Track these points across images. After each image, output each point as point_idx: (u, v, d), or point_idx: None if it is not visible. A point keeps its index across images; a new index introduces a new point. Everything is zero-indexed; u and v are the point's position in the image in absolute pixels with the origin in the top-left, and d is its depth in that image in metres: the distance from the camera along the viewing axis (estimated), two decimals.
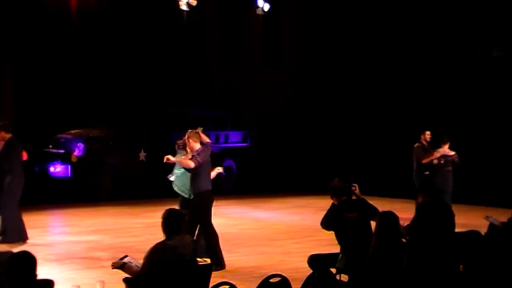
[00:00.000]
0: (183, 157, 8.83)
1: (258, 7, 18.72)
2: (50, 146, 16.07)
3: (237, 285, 5.28)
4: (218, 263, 8.39)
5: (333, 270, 6.73)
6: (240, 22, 20.64)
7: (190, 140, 8.72)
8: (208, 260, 8.14)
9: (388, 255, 5.74)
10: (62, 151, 15.80)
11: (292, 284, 5.46)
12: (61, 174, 15.66)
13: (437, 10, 17.02)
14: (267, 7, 18.73)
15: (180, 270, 5.50)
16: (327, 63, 19.32)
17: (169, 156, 8.63)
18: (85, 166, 15.51)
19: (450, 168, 12.61)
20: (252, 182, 17.86)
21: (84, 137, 15.91)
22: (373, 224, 6.54)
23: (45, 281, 4.53)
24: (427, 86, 17.17)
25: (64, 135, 16.17)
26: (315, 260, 7.11)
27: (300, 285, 5.38)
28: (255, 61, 20.63)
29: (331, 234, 7.29)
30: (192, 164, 8.52)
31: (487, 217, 7.79)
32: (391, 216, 5.97)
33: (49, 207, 14.35)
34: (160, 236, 5.70)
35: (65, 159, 15.62)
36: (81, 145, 15.71)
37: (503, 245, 6.60)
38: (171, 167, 9.24)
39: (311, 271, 5.95)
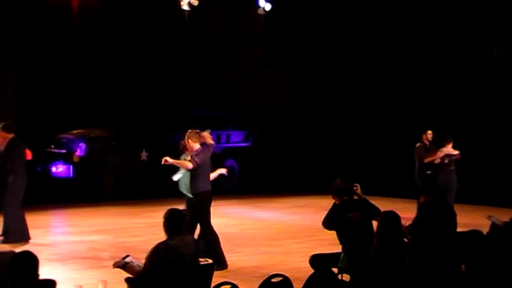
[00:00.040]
0: (183, 159, 8.83)
1: (259, 7, 18.72)
2: (52, 146, 16.07)
3: (238, 285, 5.29)
4: (220, 263, 8.39)
5: (335, 270, 6.73)
6: (241, 22, 20.64)
7: (190, 141, 8.73)
8: (210, 260, 8.14)
9: (390, 255, 5.75)
10: (64, 151, 15.81)
11: (293, 283, 5.46)
12: (63, 174, 15.67)
13: (437, 10, 17.01)
14: (268, 7, 18.72)
15: (182, 270, 5.51)
16: (328, 63, 19.32)
17: (167, 158, 8.62)
18: (87, 166, 15.52)
19: (453, 167, 12.61)
20: (253, 182, 17.86)
21: (86, 137, 15.92)
22: (374, 223, 6.55)
23: (47, 281, 4.54)
24: (428, 85, 17.17)
25: (66, 136, 16.18)
26: (316, 260, 7.11)
27: (302, 285, 5.38)
28: (256, 61, 20.63)
29: (332, 234, 7.30)
30: (190, 165, 8.52)
31: (489, 217, 7.79)
32: (392, 216, 5.98)
33: (51, 207, 14.36)
34: (162, 236, 5.71)
35: (66, 159, 15.63)
36: (83, 145, 15.72)
37: (505, 244, 6.60)
38: (173, 167, 9.25)
39: (313, 271, 5.95)
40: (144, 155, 16.11)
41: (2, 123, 10.42)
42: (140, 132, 16.33)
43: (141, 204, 14.68)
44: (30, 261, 4.37)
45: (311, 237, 10.70)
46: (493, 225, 7.57)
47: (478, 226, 8.07)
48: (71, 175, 15.60)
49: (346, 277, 6.81)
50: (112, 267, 5.98)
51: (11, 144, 10.19)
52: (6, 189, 10.16)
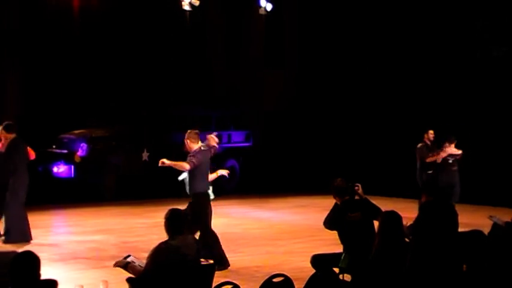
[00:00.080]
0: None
1: (260, 7, 18.71)
2: (54, 146, 16.08)
3: (240, 285, 5.28)
4: (220, 263, 8.39)
5: (336, 269, 6.73)
6: (242, 22, 20.63)
7: (188, 141, 8.74)
8: (211, 260, 8.14)
9: (391, 255, 5.75)
10: (65, 151, 15.82)
11: (295, 283, 5.46)
12: (64, 175, 15.67)
13: (437, 10, 17.00)
14: (269, 7, 18.72)
15: (183, 270, 5.51)
16: (329, 63, 19.32)
17: (164, 160, 8.63)
18: (88, 166, 15.53)
19: (456, 167, 12.62)
20: (254, 181, 17.86)
21: (87, 137, 15.92)
22: (376, 223, 6.55)
23: (48, 281, 4.54)
24: (429, 85, 17.16)
25: (67, 136, 16.19)
26: (317, 260, 7.12)
27: (303, 285, 5.38)
28: (257, 61, 20.62)
29: (334, 234, 7.30)
30: (187, 166, 8.52)
31: (490, 217, 7.78)
32: (394, 216, 5.98)
33: (52, 207, 14.37)
34: (163, 236, 5.71)
35: (68, 159, 15.64)
36: (84, 145, 15.73)
37: (507, 244, 6.60)
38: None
39: (314, 271, 5.95)
40: (145, 155, 16.11)
41: (4, 124, 10.44)
42: (141, 132, 16.33)
43: (143, 204, 14.68)
44: (32, 261, 4.38)
45: (313, 237, 10.69)
46: (495, 225, 7.56)
47: (479, 226, 8.06)
48: (73, 175, 15.60)
49: (347, 277, 6.82)
50: (113, 268, 5.98)
51: (12, 144, 10.20)
52: (7, 189, 10.17)
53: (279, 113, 20.20)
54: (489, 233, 7.50)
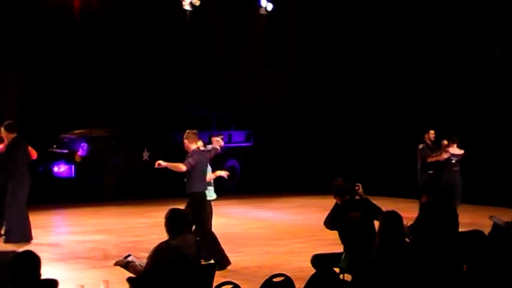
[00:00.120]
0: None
1: (261, 7, 18.71)
2: (54, 146, 16.09)
3: (240, 285, 5.28)
4: (221, 263, 8.37)
5: (337, 269, 6.73)
6: (243, 22, 20.64)
7: (186, 141, 8.75)
8: (212, 261, 8.14)
9: (392, 255, 5.74)
10: (66, 151, 15.83)
11: (295, 283, 5.46)
12: (65, 174, 15.68)
13: (438, 10, 17.00)
14: (270, 7, 18.72)
15: (184, 269, 5.51)
16: (330, 63, 19.31)
17: (161, 162, 8.63)
18: (89, 166, 15.54)
19: (458, 168, 12.64)
20: (255, 181, 17.86)
21: (87, 137, 15.93)
22: (376, 223, 6.55)
23: (49, 281, 4.54)
24: (430, 85, 17.16)
25: (68, 135, 16.20)
26: (318, 260, 7.11)
27: (304, 285, 5.38)
28: (258, 61, 20.63)
29: (334, 234, 7.30)
30: (183, 168, 8.53)
31: (490, 217, 7.78)
32: (394, 216, 5.97)
33: (53, 207, 14.37)
34: (164, 236, 5.71)
35: (68, 159, 15.64)
36: (84, 145, 15.74)
37: (507, 244, 6.60)
38: None
39: (314, 271, 5.95)
40: (145, 154, 16.12)
41: (4, 123, 10.44)
42: (142, 132, 16.34)
43: (143, 204, 14.69)
44: (32, 260, 4.38)
45: (313, 237, 10.69)
46: (495, 225, 7.56)
47: (479, 226, 8.07)
48: (73, 175, 15.61)
49: (347, 277, 6.81)
50: (114, 267, 5.98)
51: (12, 144, 10.20)
52: (8, 189, 10.17)
53: (279, 112, 20.21)
54: (489, 233, 7.50)
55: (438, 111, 16.29)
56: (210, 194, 9.11)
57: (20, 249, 4.89)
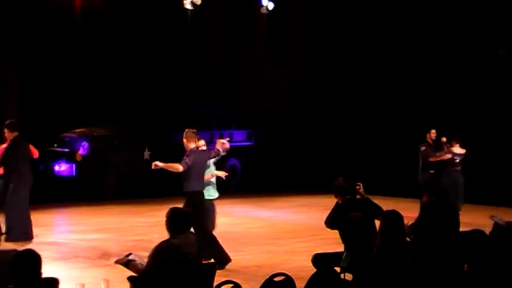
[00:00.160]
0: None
1: (262, 6, 18.71)
2: (55, 145, 16.10)
3: (241, 284, 5.28)
4: (221, 262, 8.36)
5: (337, 269, 6.73)
6: (244, 21, 20.64)
7: (185, 140, 8.75)
8: (212, 260, 8.14)
9: (392, 254, 5.74)
10: (67, 150, 15.83)
11: (296, 282, 5.46)
12: (66, 173, 15.69)
13: (438, 10, 17.00)
14: (271, 6, 18.72)
15: (185, 268, 5.51)
16: (331, 62, 19.32)
17: (157, 162, 8.64)
18: (90, 165, 15.54)
19: (459, 168, 12.64)
20: (256, 181, 17.86)
21: (88, 136, 15.94)
22: (377, 223, 6.54)
23: (50, 279, 4.55)
24: (431, 85, 17.16)
25: (69, 134, 16.20)
26: (319, 259, 7.11)
27: (304, 284, 5.38)
28: (259, 60, 20.62)
29: (335, 233, 7.30)
30: (180, 168, 8.52)
31: (491, 216, 7.78)
32: (395, 215, 5.97)
33: (54, 206, 14.38)
34: (165, 235, 5.71)
35: (69, 158, 15.65)
36: (85, 144, 15.74)
37: (508, 244, 6.59)
38: None
39: (315, 270, 5.95)
40: (146, 154, 16.12)
41: (6, 122, 10.46)
42: (143, 131, 16.34)
43: (144, 203, 14.69)
44: (33, 259, 4.38)
45: (314, 236, 10.70)
46: (496, 225, 7.56)
47: (480, 226, 8.06)
48: (74, 174, 15.62)
49: (348, 276, 6.81)
50: (115, 266, 5.98)
51: (13, 143, 10.21)
52: (9, 188, 10.18)
53: (280, 111, 20.21)
54: (490, 232, 7.49)
55: (439, 111, 16.29)
56: (212, 193, 9.10)
57: (21, 248, 4.90)
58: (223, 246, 8.80)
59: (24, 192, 10.25)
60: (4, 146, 10.32)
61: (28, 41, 17.43)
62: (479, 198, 14.06)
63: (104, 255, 9.43)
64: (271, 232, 11.70)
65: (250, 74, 20.46)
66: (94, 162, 15.56)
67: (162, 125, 16.50)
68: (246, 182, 17.67)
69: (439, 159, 12.57)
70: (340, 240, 7.18)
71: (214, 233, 8.93)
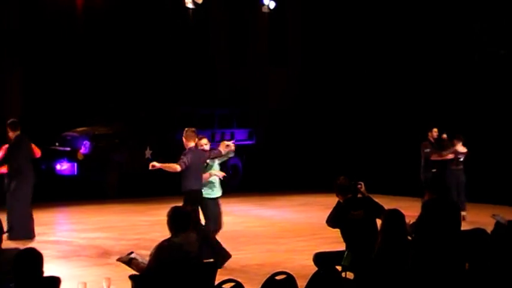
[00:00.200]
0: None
1: (263, 5, 18.72)
2: (57, 144, 16.11)
3: (242, 283, 5.29)
4: (221, 261, 8.36)
5: (339, 268, 6.73)
6: (246, 20, 20.64)
7: (184, 139, 8.74)
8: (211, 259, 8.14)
9: (394, 253, 5.74)
10: (68, 149, 15.85)
11: (297, 281, 5.46)
12: (67, 172, 15.70)
13: (438, 11, 17.01)
14: (272, 5, 18.72)
15: (186, 267, 5.52)
16: (333, 61, 19.31)
17: (154, 163, 8.64)
18: (91, 164, 15.55)
19: (462, 166, 12.65)
20: (257, 179, 17.86)
21: (90, 135, 15.95)
22: (378, 222, 6.54)
23: (51, 278, 4.55)
24: (432, 84, 17.16)
25: (70, 133, 16.22)
26: (320, 258, 7.11)
27: (306, 283, 5.38)
28: (261, 59, 20.62)
29: (336, 232, 7.30)
30: (178, 168, 8.52)
31: (493, 215, 7.77)
32: (396, 214, 5.97)
33: (55, 204, 14.40)
34: (166, 234, 5.72)
35: (71, 157, 15.66)
36: (87, 143, 15.75)
37: (509, 243, 6.59)
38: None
39: (316, 269, 5.95)
40: (148, 152, 16.12)
41: (8, 122, 10.47)
42: (144, 130, 16.35)
43: (145, 202, 14.70)
44: (35, 258, 4.39)
45: (315, 235, 10.70)
46: (497, 224, 7.55)
47: (482, 224, 8.05)
48: (75, 173, 15.63)
49: (350, 275, 6.81)
50: (116, 265, 5.99)
51: (15, 142, 10.23)
52: (10, 186, 10.19)
53: (282, 110, 20.21)
54: (492, 231, 7.48)
55: (441, 110, 16.30)
56: (216, 191, 9.08)
57: (23, 247, 4.90)
58: (224, 244, 8.81)
59: (25, 191, 10.26)
60: (7, 145, 10.34)
61: (28, 41, 17.43)
62: (481, 197, 14.06)
63: (106, 253, 9.44)
64: (272, 231, 11.71)
65: (251, 72, 20.46)
66: (95, 161, 15.57)
67: (163, 123, 16.50)
68: (247, 180, 17.67)
69: (442, 158, 12.57)
70: (342, 239, 7.19)
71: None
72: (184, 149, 8.84)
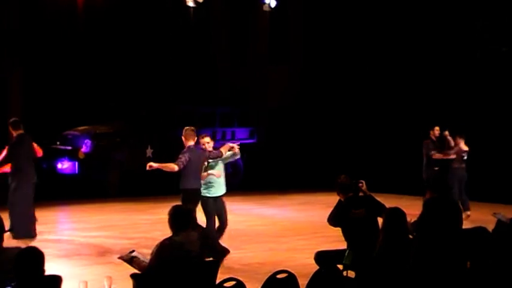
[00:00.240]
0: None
1: (264, 3, 18.71)
2: (58, 143, 16.12)
3: (243, 281, 5.29)
4: (221, 260, 8.36)
5: (340, 266, 6.72)
6: (247, 18, 20.64)
7: (184, 138, 8.74)
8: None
9: (395, 251, 5.74)
10: (70, 148, 15.86)
11: (298, 280, 5.47)
12: (68, 171, 15.71)
13: (439, 10, 17.00)
14: (273, 3, 18.71)
15: (187, 266, 5.52)
16: (334, 59, 19.31)
17: (152, 163, 8.64)
18: (92, 162, 15.56)
19: (464, 165, 12.65)
20: (258, 178, 17.86)
21: (91, 134, 15.96)
22: (380, 220, 6.54)
23: (53, 277, 4.55)
24: (433, 82, 17.16)
25: (71, 132, 16.23)
26: (321, 257, 7.11)
27: (307, 282, 5.38)
28: (262, 57, 20.63)
29: (338, 231, 7.29)
30: (175, 168, 8.52)
31: (494, 214, 7.77)
32: (398, 213, 5.96)
33: (56, 203, 14.40)
34: (167, 232, 5.72)
35: (72, 155, 15.67)
36: (88, 142, 15.76)
37: (511, 241, 6.59)
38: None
39: (318, 267, 5.95)
40: (149, 151, 16.13)
41: (10, 121, 10.47)
42: (145, 128, 16.35)
43: (146, 201, 14.71)
44: (36, 257, 4.39)
45: (317, 233, 10.70)
46: (499, 222, 7.55)
47: (483, 223, 8.04)
48: (77, 171, 15.64)
49: (351, 274, 6.81)
50: (117, 263, 5.99)
51: (16, 141, 10.23)
52: (11, 186, 10.19)
53: (283, 109, 20.21)
54: (493, 230, 7.47)
55: (443, 108, 16.29)
56: (218, 190, 9.06)
57: (24, 246, 4.90)
58: (226, 243, 8.81)
59: (26, 190, 10.25)
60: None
61: (28, 41, 17.43)
62: (482, 195, 14.05)
63: (107, 252, 9.45)
64: (274, 230, 11.71)
65: (253, 71, 20.46)
66: (96, 160, 15.58)
67: (164, 122, 16.50)
68: (248, 179, 17.67)
69: (445, 157, 12.57)
70: (343, 238, 7.18)
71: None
72: (184, 147, 8.85)
